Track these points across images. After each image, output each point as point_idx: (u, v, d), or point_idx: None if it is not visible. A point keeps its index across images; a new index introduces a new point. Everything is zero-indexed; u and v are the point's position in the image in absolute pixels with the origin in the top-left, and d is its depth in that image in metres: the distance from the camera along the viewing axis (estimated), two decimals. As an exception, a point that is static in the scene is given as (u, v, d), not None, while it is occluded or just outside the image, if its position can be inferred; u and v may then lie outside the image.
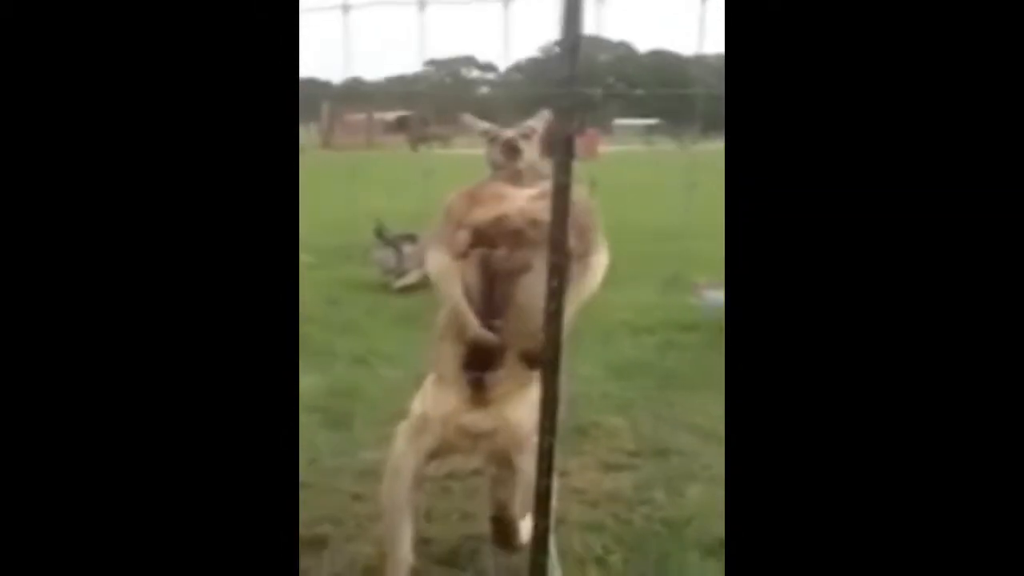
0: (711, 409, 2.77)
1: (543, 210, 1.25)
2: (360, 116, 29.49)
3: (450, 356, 1.50)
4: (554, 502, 1.27)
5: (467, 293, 1.47)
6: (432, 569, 1.75)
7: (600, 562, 1.81)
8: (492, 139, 1.64)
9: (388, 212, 5.60)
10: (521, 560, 1.65)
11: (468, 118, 1.72)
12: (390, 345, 3.60)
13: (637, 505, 2.09)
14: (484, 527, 1.87)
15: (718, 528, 1.94)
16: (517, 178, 1.58)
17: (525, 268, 1.44)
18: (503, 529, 1.73)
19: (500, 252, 1.45)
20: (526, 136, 1.63)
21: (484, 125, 1.67)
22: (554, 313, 1.17)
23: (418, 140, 27.77)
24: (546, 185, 1.36)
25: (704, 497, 2.13)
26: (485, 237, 1.47)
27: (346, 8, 1.38)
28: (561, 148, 1.12)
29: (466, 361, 1.48)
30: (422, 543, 1.72)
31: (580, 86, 1.09)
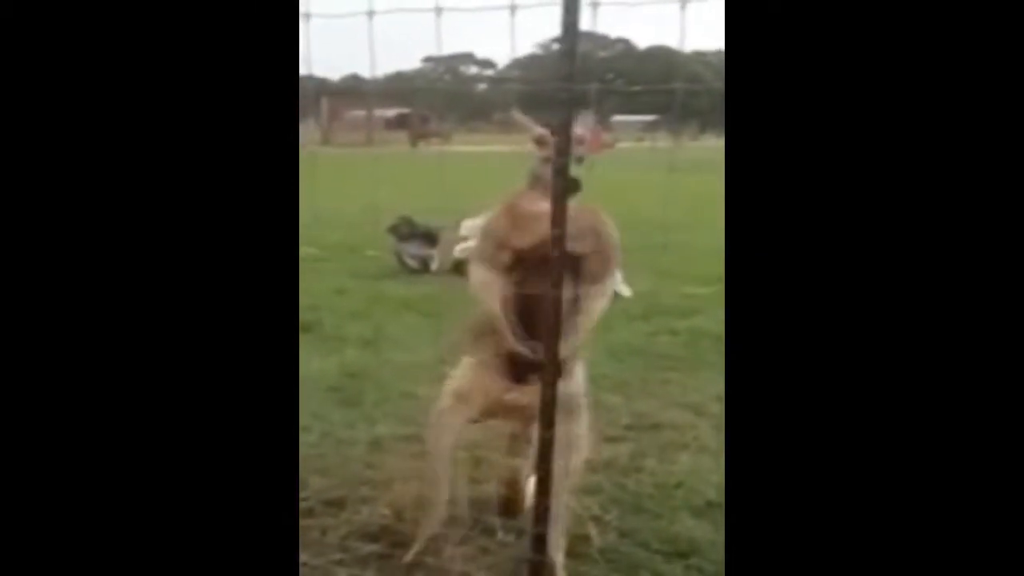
0: (701, 388, 2.94)
1: (574, 236, 1.36)
2: (360, 113, 29.57)
3: (492, 351, 1.64)
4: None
5: (504, 304, 1.60)
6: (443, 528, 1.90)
7: (597, 520, 1.96)
8: (543, 144, 1.55)
9: (391, 208, 5.75)
10: (523, 522, 1.81)
11: (519, 116, 1.64)
12: (395, 330, 3.79)
13: (632, 472, 2.25)
14: (491, 490, 2.03)
15: (706, 492, 2.11)
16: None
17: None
18: (510, 497, 1.91)
19: (537, 280, 1.47)
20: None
21: (539, 130, 1.58)
22: (557, 285, 1.32)
23: (418, 137, 27.92)
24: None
25: (693, 465, 2.29)
26: (525, 262, 1.59)
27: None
28: (560, 137, 1.28)
29: (507, 368, 1.63)
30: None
31: (578, 82, 1.24)
